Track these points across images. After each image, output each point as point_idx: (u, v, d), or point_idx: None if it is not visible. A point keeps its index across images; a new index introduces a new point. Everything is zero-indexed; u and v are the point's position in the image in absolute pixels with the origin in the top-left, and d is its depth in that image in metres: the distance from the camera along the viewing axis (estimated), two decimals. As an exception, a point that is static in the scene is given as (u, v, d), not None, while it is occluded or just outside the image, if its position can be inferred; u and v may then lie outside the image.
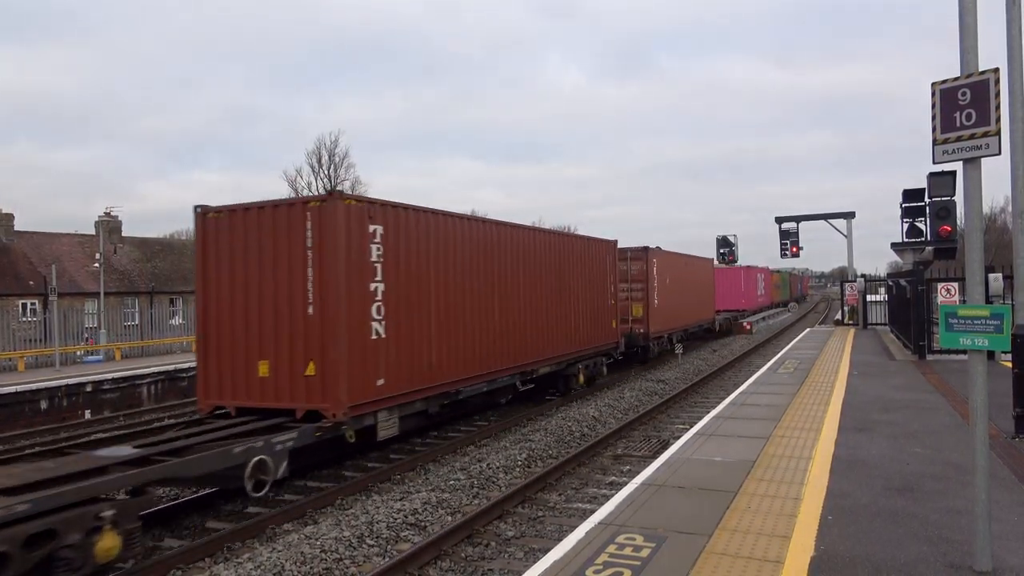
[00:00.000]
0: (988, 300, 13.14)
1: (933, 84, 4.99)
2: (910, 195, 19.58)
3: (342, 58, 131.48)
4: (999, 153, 4.72)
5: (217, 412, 10.06)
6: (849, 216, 33.77)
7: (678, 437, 10.62)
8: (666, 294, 24.00)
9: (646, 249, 22.82)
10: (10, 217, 35.83)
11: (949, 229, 16.24)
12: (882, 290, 30.07)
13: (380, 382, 9.93)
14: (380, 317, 9.97)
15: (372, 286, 9.86)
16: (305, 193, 45.53)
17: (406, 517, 8.24)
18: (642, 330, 22.11)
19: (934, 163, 5.09)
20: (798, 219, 34.94)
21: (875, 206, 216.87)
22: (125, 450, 7.75)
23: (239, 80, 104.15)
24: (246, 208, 9.99)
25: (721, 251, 47.46)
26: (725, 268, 39.74)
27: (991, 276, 13.89)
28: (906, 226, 19.66)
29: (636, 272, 22.38)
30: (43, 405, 18.33)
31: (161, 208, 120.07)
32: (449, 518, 8.34)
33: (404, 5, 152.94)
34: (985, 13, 5.06)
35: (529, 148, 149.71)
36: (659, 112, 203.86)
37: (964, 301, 5.13)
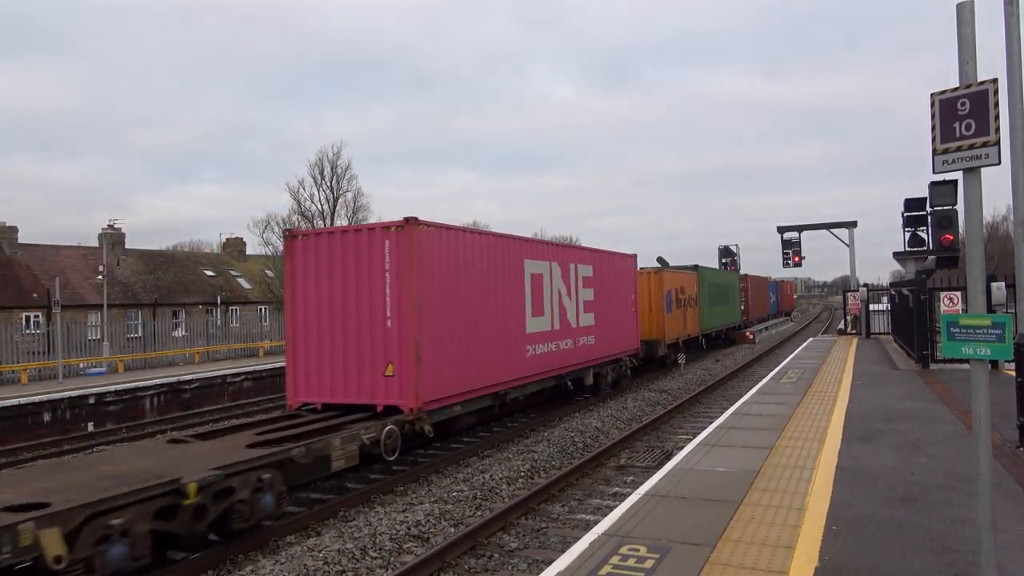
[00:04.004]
0: (991, 309, 13.14)
1: (932, 94, 5.01)
2: (912, 204, 19.65)
3: (331, 73, 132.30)
4: (999, 163, 4.73)
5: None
6: (851, 225, 33.78)
7: (681, 447, 10.61)
8: None
9: None
10: (13, 230, 35.96)
11: (951, 238, 16.25)
12: (885, 299, 30.03)
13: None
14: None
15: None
16: (308, 205, 45.59)
17: (409, 529, 8.23)
18: None
19: (934, 172, 5.11)
20: (800, 228, 34.95)
21: (877, 215, 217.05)
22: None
23: (231, 95, 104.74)
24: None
25: (723, 261, 47.58)
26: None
27: (994, 285, 13.89)
28: (908, 235, 19.72)
29: None
30: (46, 418, 18.35)
31: (163, 220, 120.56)
32: (452, 529, 8.32)
33: (391, 22, 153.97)
34: (983, 23, 5.10)
35: (521, 160, 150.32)
36: (649, 124, 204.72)
37: (966, 310, 5.14)
